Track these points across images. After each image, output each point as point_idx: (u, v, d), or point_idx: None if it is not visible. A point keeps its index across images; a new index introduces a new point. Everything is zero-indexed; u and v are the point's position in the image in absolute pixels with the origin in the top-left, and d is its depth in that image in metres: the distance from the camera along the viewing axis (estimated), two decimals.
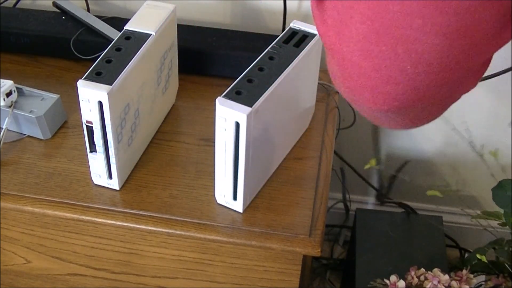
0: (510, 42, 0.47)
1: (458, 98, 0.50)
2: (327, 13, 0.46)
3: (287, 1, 1.11)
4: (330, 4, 0.45)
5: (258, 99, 0.76)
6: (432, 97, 0.47)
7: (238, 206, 0.85)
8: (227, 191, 0.84)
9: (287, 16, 1.10)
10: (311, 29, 0.87)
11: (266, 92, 0.77)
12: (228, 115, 0.75)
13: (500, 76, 1.05)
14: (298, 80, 0.86)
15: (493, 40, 0.43)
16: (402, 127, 0.54)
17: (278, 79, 0.79)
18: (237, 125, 0.75)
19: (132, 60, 0.82)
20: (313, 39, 0.86)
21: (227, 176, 0.82)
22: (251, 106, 0.74)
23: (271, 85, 0.78)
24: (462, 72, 0.45)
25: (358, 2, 0.42)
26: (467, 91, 0.49)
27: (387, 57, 0.43)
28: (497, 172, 1.12)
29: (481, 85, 1.18)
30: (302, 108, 0.94)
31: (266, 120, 0.80)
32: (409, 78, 0.44)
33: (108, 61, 0.81)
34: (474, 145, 1.11)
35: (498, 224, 1.08)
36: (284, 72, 0.80)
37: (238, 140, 0.77)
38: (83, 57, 1.05)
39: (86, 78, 0.79)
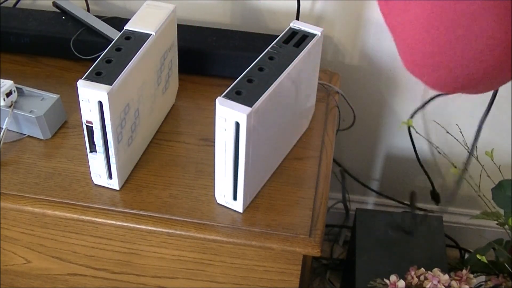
0: None
1: None
2: None
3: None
4: None
5: (258, 99, 0.76)
6: (483, 82, 0.47)
7: (238, 206, 0.85)
8: (227, 191, 0.84)
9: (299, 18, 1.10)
10: (311, 29, 0.87)
11: (266, 92, 0.77)
12: (228, 115, 0.75)
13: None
14: (298, 80, 0.86)
15: None
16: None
17: (278, 79, 0.79)
18: (237, 125, 0.75)
19: (132, 60, 0.82)
20: (313, 39, 0.86)
21: (227, 176, 0.82)
22: (251, 106, 0.74)
23: (271, 85, 0.78)
24: None
25: None
26: None
27: (441, 43, 0.44)
28: (494, 172, 1.12)
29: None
30: (302, 108, 0.94)
31: (266, 120, 0.80)
32: (462, 64, 0.45)
33: (108, 61, 0.81)
34: (468, 146, 1.12)
35: (496, 223, 1.08)
36: (284, 72, 0.80)
37: (238, 140, 0.77)
38: (83, 57, 1.05)
39: (86, 78, 0.79)
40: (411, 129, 1.27)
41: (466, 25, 0.43)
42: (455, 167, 1.12)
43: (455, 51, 0.44)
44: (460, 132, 1.12)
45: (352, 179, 1.38)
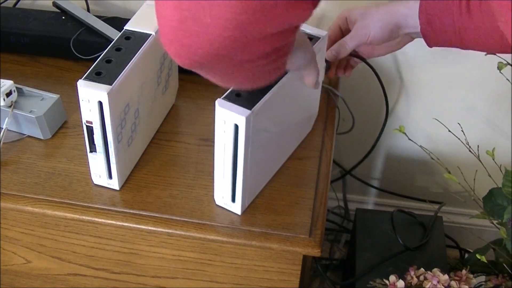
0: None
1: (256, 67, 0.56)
2: None
3: None
4: None
5: (258, 101, 0.75)
6: (228, 55, 0.52)
7: (236, 208, 0.85)
8: (226, 193, 0.84)
9: None
10: (311, 29, 0.87)
11: (267, 94, 0.77)
12: (228, 117, 0.75)
13: (495, 77, 1.05)
14: (300, 83, 0.86)
15: (287, 11, 0.49)
16: (217, 82, 0.61)
17: (279, 81, 0.79)
18: (236, 127, 0.75)
19: (132, 60, 0.81)
20: (318, 41, 0.85)
21: (226, 178, 0.82)
22: (250, 109, 0.74)
23: (272, 87, 0.78)
24: (255, 34, 0.50)
25: None
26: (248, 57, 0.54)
27: (192, 8, 0.49)
28: (495, 172, 1.12)
29: (478, 87, 1.18)
30: (305, 110, 0.94)
31: (266, 123, 0.80)
32: (208, 31, 0.50)
33: (108, 61, 0.81)
34: (470, 145, 1.11)
35: (496, 223, 1.08)
36: (286, 74, 0.80)
37: (237, 143, 0.77)
38: (83, 57, 1.05)
39: (86, 78, 0.79)
40: (411, 128, 1.27)
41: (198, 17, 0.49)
42: (449, 172, 1.12)
43: (202, 14, 0.49)
44: (462, 130, 1.12)
45: (353, 178, 1.38)
